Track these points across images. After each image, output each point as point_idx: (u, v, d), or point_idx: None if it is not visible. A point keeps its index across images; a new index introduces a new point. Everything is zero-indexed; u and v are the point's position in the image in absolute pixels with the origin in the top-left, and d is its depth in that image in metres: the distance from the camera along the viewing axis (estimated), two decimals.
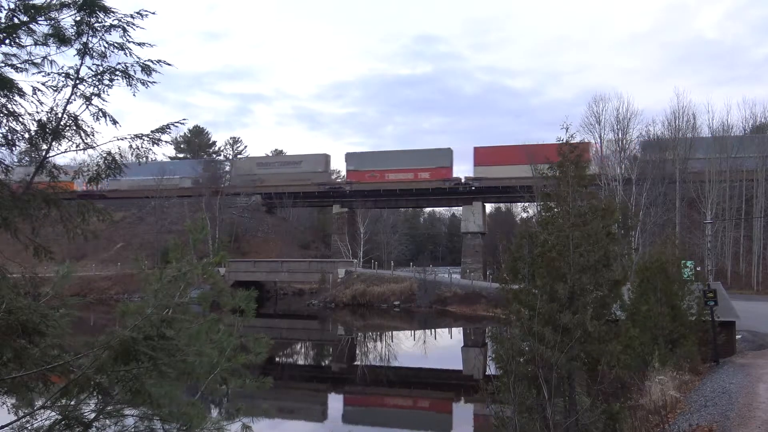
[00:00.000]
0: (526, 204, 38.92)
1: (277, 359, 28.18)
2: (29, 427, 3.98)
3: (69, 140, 4.02)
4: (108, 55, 4.08)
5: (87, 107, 4.07)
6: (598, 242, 9.39)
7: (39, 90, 3.92)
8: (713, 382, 14.08)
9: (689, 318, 17.11)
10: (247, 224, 67.75)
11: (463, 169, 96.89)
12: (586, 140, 49.60)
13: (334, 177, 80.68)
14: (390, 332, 38.32)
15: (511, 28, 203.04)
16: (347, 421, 17.96)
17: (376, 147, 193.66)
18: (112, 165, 4.15)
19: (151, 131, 4.23)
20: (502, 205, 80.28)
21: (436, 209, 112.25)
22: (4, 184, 3.90)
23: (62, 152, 4.09)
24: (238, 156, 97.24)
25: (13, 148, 4.01)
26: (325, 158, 71.62)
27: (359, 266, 54.57)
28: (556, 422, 8.59)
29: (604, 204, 10.78)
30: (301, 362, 31.15)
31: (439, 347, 32.82)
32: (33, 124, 3.94)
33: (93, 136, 4.07)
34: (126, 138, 4.12)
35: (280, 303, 56.79)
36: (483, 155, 62.63)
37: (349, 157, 69.86)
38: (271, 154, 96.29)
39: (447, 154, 66.26)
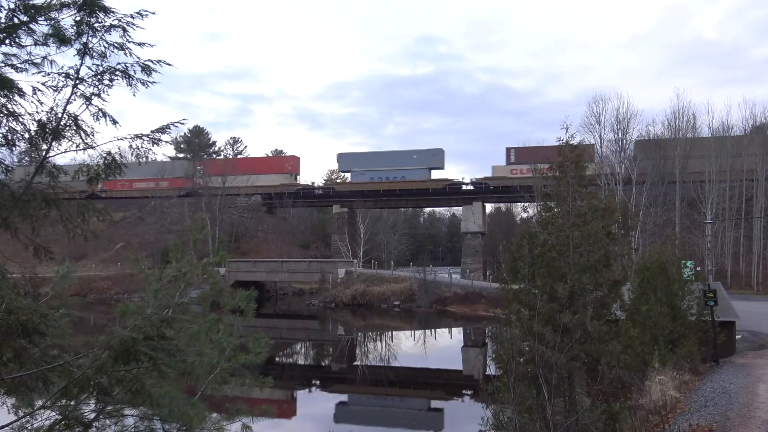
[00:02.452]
0: (526, 204, 38.97)
1: (277, 359, 28.19)
2: (29, 427, 3.98)
3: (69, 140, 4.02)
4: (108, 55, 4.08)
5: (87, 107, 4.07)
6: (598, 242, 9.39)
7: (39, 90, 3.92)
8: (713, 382, 14.08)
9: (689, 318, 17.11)
10: (247, 224, 67.76)
11: (461, 170, 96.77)
12: (586, 141, 49.64)
13: (334, 177, 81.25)
14: (390, 332, 38.31)
15: (511, 28, 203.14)
16: (347, 421, 17.96)
17: (377, 147, 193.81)
18: (112, 165, 4.15)
19: (151, 131, 4.23)
20: (502, 205, 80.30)
21: (436, 209, 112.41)
22: (4, 184, 3.90)
23: (62, 152, 4.09)
24: (238, 156, 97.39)
25: (13, 148, 4.01)
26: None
27: (359, 266, 54.57)
28: (556, 422, 8.59)
29: (604, 204, 10.79)
30: (301, 362, 31.15)
31: (439, 347, 32.82)
32: (33, 124, 3.94)
33: (93, 136, 4.08)
34: (126, 138, 4.12)
35: (280, 303, 56.78)
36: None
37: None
38: (271, 155, 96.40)
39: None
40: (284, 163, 71.22)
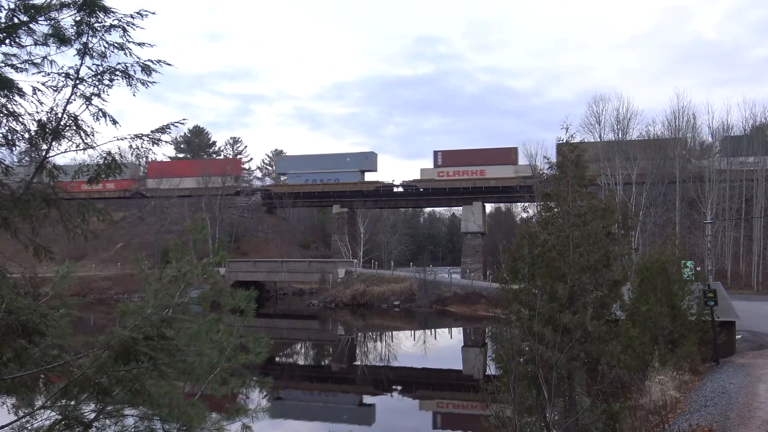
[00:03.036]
0: (526, 204, 38.94)
1: (277, 359, 28.19)
2: (29, 427, 3.98)
3: (69, 140, 4.02)
4: (108, 55, 4.08)
5: (87, 107, 4.06)
6: (598, 242, 9.39)
7: (39, 90, 3.92)
8: (713, 382, 14.07)
9: (689, 318, 17.11)
10: (247, 224, 67.79)
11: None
12: (586, 140, 49.68)
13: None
14: (390, 332, 38.31)
15: (511, 29, 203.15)
16: (347, 421, 17.97)
17: (377, 147, 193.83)
18: (112, 165, 4.15)
19: (151, 131, 4.22)
20: (502, 205, 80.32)
21: (436, 209, 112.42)
22: (4, 184, 3.90)
23: (62, 152, 4.09)
24: (238, 156, 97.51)
25: (13, 148, 4.00)
26: None
27: (359, 266, 54.57)
28: (556, 422, 8.59)
29: (604, 204, 10.79)
30: (301, 362, 31.15)
31: (439, 347, 32.81)
32: (33, 124, 3.94)
33: (93, 136, 4.07)
34: (126, 138, 4.12)
35: (280, 303, 56.78)
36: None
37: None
38: (271, 155, 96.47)
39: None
40: (226, 166, 72.97)
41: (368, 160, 68.95)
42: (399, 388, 22.89)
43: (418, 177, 66.45)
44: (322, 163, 69.48)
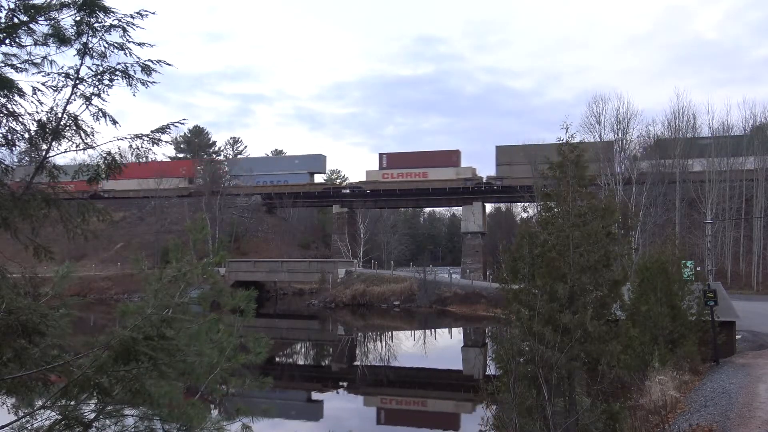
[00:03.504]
0: (526, 204, 38.95)
1: (277, 359, 28.19)
2: (29, 427, 3.98)
3: (69, 140, 4.01)
4: (108, 55, 4.08)
5: (87, 107, 4.06)
6: (598, 242, 9.39)
7: (39, 90, 3.92)
8: (713, 382, 14.07)
9: (689, 318, 17.10)
10: (247, 224, 67.79)
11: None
12: (586, 140, 49.67)
13: (334, 177, 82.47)
14: (390, 332, 38.31)
15: (511, 29, 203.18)
16: (347, 421, 17.96)
17: (377, 147, 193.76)
18: (112, 165, 4.14)
19: (151, 131, 4.22)
20: (502, 205, 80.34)
21: (436, 209, 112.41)
22: (4, 184, 3.90)
23: (62, 152, 4.08)
24: (238, 156, 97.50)
25: (13, 148, 4.00)
26: None
27: (359, 266, 54.56)
28: (556, 422, 8.59)
29: (604, 204, 10.78)
30: (301, 362, 31.15)
31: (439, 347, 32.81)
32: (33, 124, 3.94)
33: (93, 136, 4.07)
34: (126, 138, 4.12)
35: (280, 303, 56.77)
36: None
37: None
38: (271, 155, 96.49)
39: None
40: (179, 168, 73.92)
41: (317, 163, 71.73)
42: (397, 388, 22.89)
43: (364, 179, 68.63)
44: (274, 165, 72.22)
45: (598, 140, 52.20)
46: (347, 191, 68.71)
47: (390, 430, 18.03)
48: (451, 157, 65.38)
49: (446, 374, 26.06)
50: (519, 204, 63.18)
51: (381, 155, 68.23)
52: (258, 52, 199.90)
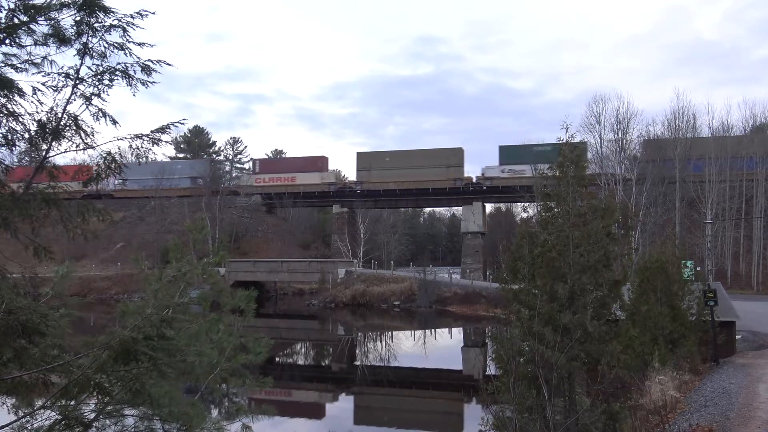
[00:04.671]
0: (526, 204, 38.95)
1: (277, 359, 28.18)
2: (29, 427, 3.97)
3: (69, 140, 4.02)
4: (108, 55, 4.08)
5: (87, 107, 4.06)
6: (598, 242, 9.39)
7: (39, 90, 3.92)
8: (713, 382, 14.07)
9: (689, 318, 17.10)
10: (247, 224, 67.77)
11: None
12: (586, 140, 49.70)
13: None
14: (390, 332, 38.30)
15: (511, 29, 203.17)
16: (347, 421, 17.96)
17: (377, 147, 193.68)
18: (112, 165, 4.14)
19: (151, 131, 4.22)
20: (502, 205, 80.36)
21: (436, 209, 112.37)
22: (4, 184, 3.90)
23: (62, 152, 4.09)
24: (238, 156, 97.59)
25: (13, 148, 4.00)
26: None
27: (359, 266, 54.53)
28: (556, 422, 8.58)
29: (604, 204, 10.78)
30: (301, 362, 31.14)
31: (439, 347, 32.80)
32: (33, 124, 3.94)
33: (93, 136, 4.07)
34: (126, 138, 4.12)
35: (280, 303, 56.74)
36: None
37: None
38: (271, 155, 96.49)
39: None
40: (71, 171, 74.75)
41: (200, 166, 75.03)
42: (397, 388, 22.89)
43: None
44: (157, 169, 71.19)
45: (598, 140, 52.28)
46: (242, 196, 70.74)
47: (390, 431, 18.02)
48: (317, 163, 69.54)
49: (446, 374, 26.05)
50: (519, 204, 63.25)
51: (254, 161, 73.28)
52: (258, 53, 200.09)
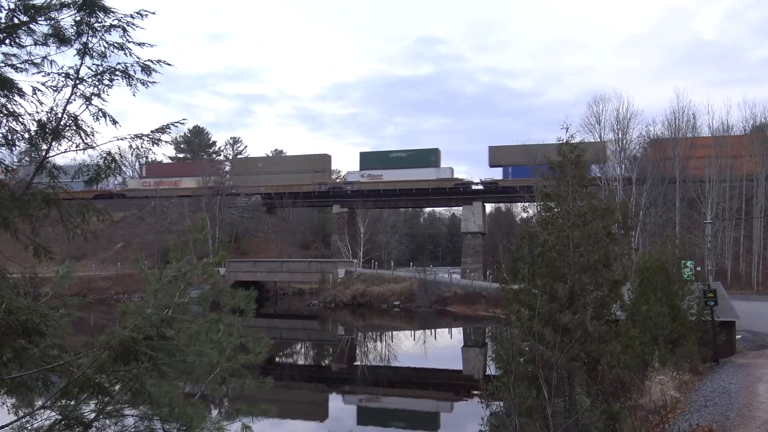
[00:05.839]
0: (526, 204, 38.95)
1: (277, 359, 28.18)
2: (29, 427, 3.98)
3: (69, 140, 4.01)
4: (108, 55, 4.07)
5: (87, 107, 4.06)
6: (598, 242, 9.39)
7: (39, 90, 3.91)
8: (713, 382, 14.07)
9: (689, 318, 17.10)
10: (247, 224, 67.78)
11: (461, 170, 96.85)
12: (586, 140, 49.65)
13: (334, 177, 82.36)
14: (390, 332, 38.29)
15: (512, 29, 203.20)
16: (347, 421, 17.95)
17: (377, 147, 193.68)
18: (112, 165, 4.14)
19: (151, 131, 4.22)
20: (502, 205, 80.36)
21: (436, 209, 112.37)
22: (4, 184, 3.90)
23: (62, 152, 4.08)
24: (238, 156, 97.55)
25: (13, 148, 4.00)
26: None
27: (359, 266, 54.54)
28: (556, 422, 8.59)
29: (604, 204, 10.78)
30: (301, 362, 31.13)
31: (439, 347, 32.80)
32: (33, 124, 3.93)
33: (93, 136, 4.06)
34: (126, 138, 4.12)
35: (280, 303, 56.74)
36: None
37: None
38: (271, 155, 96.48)
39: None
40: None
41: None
42: (397, 388, 22.89)
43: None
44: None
45: (598, 140, 52.25)
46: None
47: (390, 431, 18.03)
48: (196, 167, 72.49)
49: (446, 374, 26.05)
50: (519, 204, 63.26)
51: (141, 166, 76.21)
52: (259, 53, 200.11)
